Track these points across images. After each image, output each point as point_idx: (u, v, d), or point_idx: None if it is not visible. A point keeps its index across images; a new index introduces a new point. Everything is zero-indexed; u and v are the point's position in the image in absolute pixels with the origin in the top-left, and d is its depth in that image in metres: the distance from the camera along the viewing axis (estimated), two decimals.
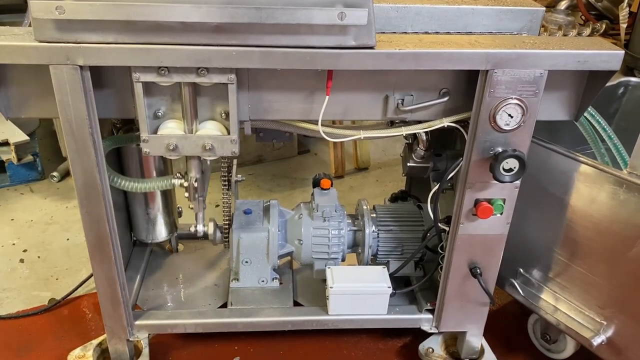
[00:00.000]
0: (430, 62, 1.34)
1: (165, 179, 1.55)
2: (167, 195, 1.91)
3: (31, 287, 2.17)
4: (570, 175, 1.59)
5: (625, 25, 4.85)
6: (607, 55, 1.36)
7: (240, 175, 1.92)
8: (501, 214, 1.56)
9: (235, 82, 1.35)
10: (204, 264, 2.01)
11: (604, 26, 5.42)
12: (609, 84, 2.17)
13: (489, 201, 1.54)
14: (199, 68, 1.31)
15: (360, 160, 3.13)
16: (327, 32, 1.28)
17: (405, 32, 1.65)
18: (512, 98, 1.40)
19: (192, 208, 1.61)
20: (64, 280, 2.20)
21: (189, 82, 1.35)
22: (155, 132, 1.43)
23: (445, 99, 1.48)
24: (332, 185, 1.89)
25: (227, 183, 1.85)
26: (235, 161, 1.98)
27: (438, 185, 1.59)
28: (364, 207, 1.89)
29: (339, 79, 1.44)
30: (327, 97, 1.43)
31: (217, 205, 2.70)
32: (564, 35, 5.17)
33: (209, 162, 1.63)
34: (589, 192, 1.56)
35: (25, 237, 2.46)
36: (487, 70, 1.36)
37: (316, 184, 1.90)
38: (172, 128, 1.43)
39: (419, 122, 1.55)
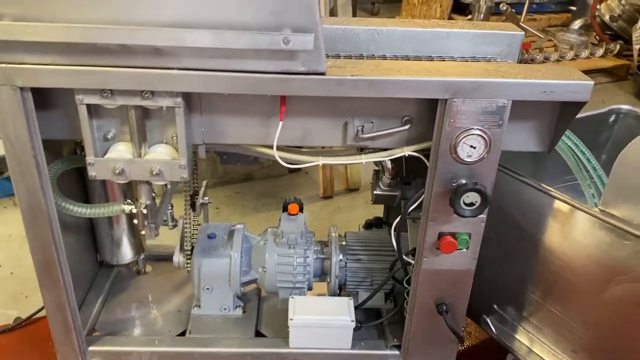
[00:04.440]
0: (385, 89, 1.28)
1: (114, 205, 1.50)
2: (133, 215, 1.87)
3: None
4: (543, 210, 1.50)
5: (638, 47, 4.71)
6: (575, 86, 1.28)
7: (207, 198, 1.86)
8: (467, 248, 1.48)
9: (182, 105, 1.30)
10: (170, 287, 1.96)
11: (617, 47, 5.31)
12: (598, 111, 2.10)
13: (454, 235, 1.46)
14: (144, 91, 1.27)
15: (350, 180, 3.06)
16: (274, 56, 1.22)
17: (373, 56, 1.58)
18: (473, 129, 1.32)
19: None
20: (33, 298, 2.16)
21: (134, 105, 1.31)
22: (105, 154, 1.39)
23: (407, 127, 1.41)
24: (301, 211, 1.82)
25: (191, 205, 1.80)
26: (204, 182, 1.94)
27: (399, 217, 1.51)
28: (332, 234, 1.82)
29: (295, 104, 1.38)
30: (281, 122, 1.37)
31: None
32: (576, 55, 5.06)
33: (169, 186, 1.58)
34: (562, 228, 1.47)
35: (1, 251, 2.44)
36: (446, 99, 1.29)
37: (285, 208, 1.83)
38: (121, 151, 1.38)
39: (385, 149, 1.48)
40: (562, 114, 1.40)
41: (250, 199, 2.93)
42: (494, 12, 5.56)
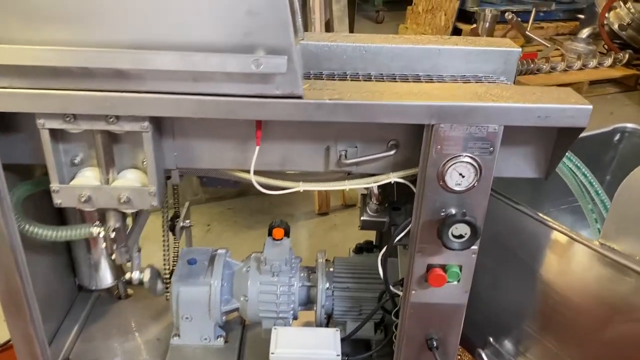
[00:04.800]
0: (365, 114, 1.19)
1: (82, 227, 1.41)
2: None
3: None
4: (540, 240, 1.41)
5: None
6: (572, 110, 1.19)
7: (188, 221, 1.78)
8: (458, 281, 1.38)
9: (150, 130, 1.22)
10: (151, 313, 1.87)
11: (627, 56, 5.19)
12: (602, 130, 1.99)
13: (443, 267, 1.36)
14: (108, 115, 1.19)
15: (347, 196, 2.97)
16: (247, 79, 1.14)
17: (357, 74, 1.50)
18: (462, 155, 1.23)
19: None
20: None
21: (100, 129, 1.23)
22: (72, 179, 1.31)
23: (392, 152, 1.32)
24: (287, 235, 1.74)
25: (171, 228, 1.72)
26: (187, 204, 1.86)
27: (386, 248, 1.42)
28: (319, 261, 1.73)
29: (273, 127, 1.30)
30: (258, 147, 1.29)
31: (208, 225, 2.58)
32: (584, 65, 4.95)
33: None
34: (560, 260, 1.37)
35: None
36: (433, 125, 1.20)
37: (271, 232, 1.75)
38: (88, 177, 1.30)
39: (373, 174, 1.40)
40: (559, 140, 1.30)
41: (243, 215, 2.84)
42: (499, 21, 5.47)
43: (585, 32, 5.46)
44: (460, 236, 1.27)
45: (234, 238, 2.66)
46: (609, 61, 5.04)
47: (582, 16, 6.23)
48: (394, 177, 1.34)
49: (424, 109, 1.18)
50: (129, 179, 1.31)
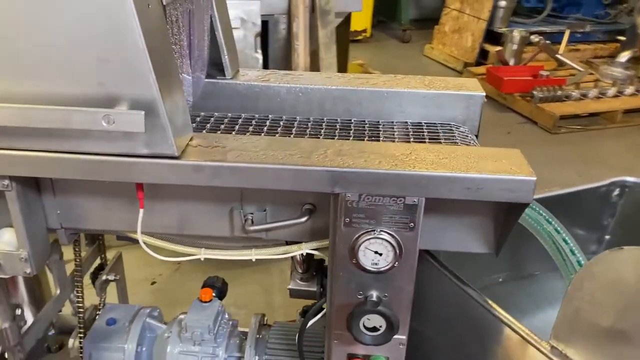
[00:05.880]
0: (251, 179, 0.98)
1: None
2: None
3: None
4: (492, 333, 1.15)
5: None
6: (510, 182, 0.95)
7: (114, 274, 1.60)
8: None
9: (13, 189, 1.05)
10: None
11: None
12: (599, 183, 1.70)
13: (367, 358, 1.13)
14: None
15: None
16: (109, 136, 0.96)
17: (280, 119, 1.29)
18: (376, 231, 1.00)
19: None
20: None
21: None
22: None
23: (304, 219, 1.10)
24: (220, 295, 1.54)
25: (92, 282, 1.55)
26: (119, 253, 1.68)
27: (299, 332, 1.20)
28: (252, 326, 1.51)
29: (164, 185, 1.11)
30: (142, 210, 1.09)
31: (152, 283, 2.41)
32: (619, 92, 4.55)
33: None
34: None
35: None
36: (338, 194, 0.98)
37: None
38: None
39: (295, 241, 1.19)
40: (510, 210, 1.06)
41: None
42: (528, 42, 5.15)
43: (624, 56, 5.05)
44: (374, 329, 1.03)
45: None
46: None
47: (623, 38, 5.81)
48: (306, 249, 1.13)
49: (324, 174, 0.96)
50: (2, 242, 1.14)
